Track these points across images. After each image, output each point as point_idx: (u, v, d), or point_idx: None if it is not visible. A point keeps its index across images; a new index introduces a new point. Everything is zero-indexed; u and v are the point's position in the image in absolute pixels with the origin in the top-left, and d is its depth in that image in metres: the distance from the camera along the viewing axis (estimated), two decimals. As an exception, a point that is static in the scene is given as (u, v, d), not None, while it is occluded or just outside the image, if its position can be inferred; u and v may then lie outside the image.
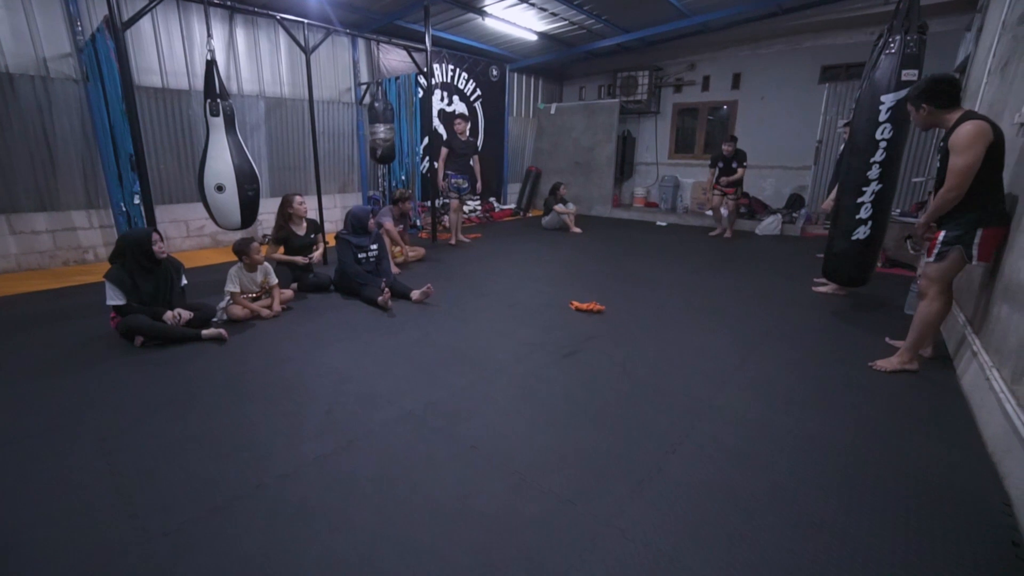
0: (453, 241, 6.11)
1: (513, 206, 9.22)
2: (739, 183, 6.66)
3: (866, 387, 2.53)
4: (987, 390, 2.18)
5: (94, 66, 4.25)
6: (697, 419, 2.21)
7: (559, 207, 7.25)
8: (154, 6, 3.73)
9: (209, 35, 4.02)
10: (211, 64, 4.01)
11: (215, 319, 3.34)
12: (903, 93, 3.14)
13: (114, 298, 2.91)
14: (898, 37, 3.17)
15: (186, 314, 3.09)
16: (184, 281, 3.31)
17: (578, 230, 7.17)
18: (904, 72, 3.14)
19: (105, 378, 2.55)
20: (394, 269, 4.67)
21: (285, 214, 4.09)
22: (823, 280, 4.24)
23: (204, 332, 3.03)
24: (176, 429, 2.09)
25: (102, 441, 1.99)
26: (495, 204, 8.87)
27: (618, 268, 5.00)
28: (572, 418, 2.22)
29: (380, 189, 7.29)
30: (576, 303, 3.67)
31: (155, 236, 3.01)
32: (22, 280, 4.30)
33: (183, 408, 2.26)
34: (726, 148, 6.50)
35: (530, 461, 1.89)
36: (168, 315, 3.02)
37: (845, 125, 5.11)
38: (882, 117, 3.20)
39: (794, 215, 7.43)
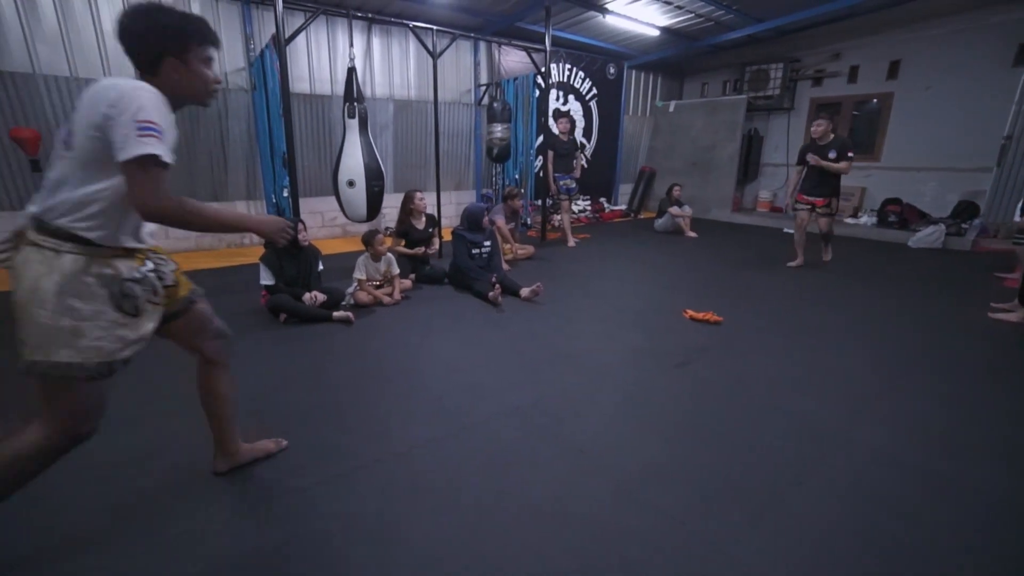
0: (571, 243, 6.07)
1: (624, 207, 8.98)
2: (836, 191, 4.78)
3: (1061, 438, 2.06)
4: None
5: (260, 77, 4.90)
6: (827, 450, 1.96)
7: (673, 209, 6.91)
8: (309, 23, 4.20)
9: (351, 45, 4.43)
10: (351, 71, 4.42)
11: (344, 303, 3.68)
12: None
13: (266, 278, 3.33)
14: None
15: (321, 296, 3.44)
16: (321, 267, 3.69)
17: (693, 234, 6.78)
18: None
19: (253, 348, 2.93)
20: (504, 267, 4.79)
21: (407, 209, 4.38)
22: (1006, 306, 3.54)
23: (335, 314, 3.36)
24: (310, 398, 2.33)
25: (248, 403, 2.29)
26: (605, 204, 8.71)
27: (737, 276, 4.64)
28: (682, 432, 2.09)
29: (493, 187, 7.52)
30: (691, 312, 3.46)
31: (300, 225, 3.39)
32: (198, 258, 5.11)
33: (315, 380, 2.53)
34: (818, 128, 4.63)
35: (635, 471, 1.82)
36: (307, 296, 3.39)
37: None
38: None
39: (963, 226, 6.30)
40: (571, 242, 6.05)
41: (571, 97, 7.77)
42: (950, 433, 2.09)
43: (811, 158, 4.66)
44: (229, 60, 5.25)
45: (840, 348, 2.99)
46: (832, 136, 4.63)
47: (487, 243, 4.19)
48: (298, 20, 5.04)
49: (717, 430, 2.11)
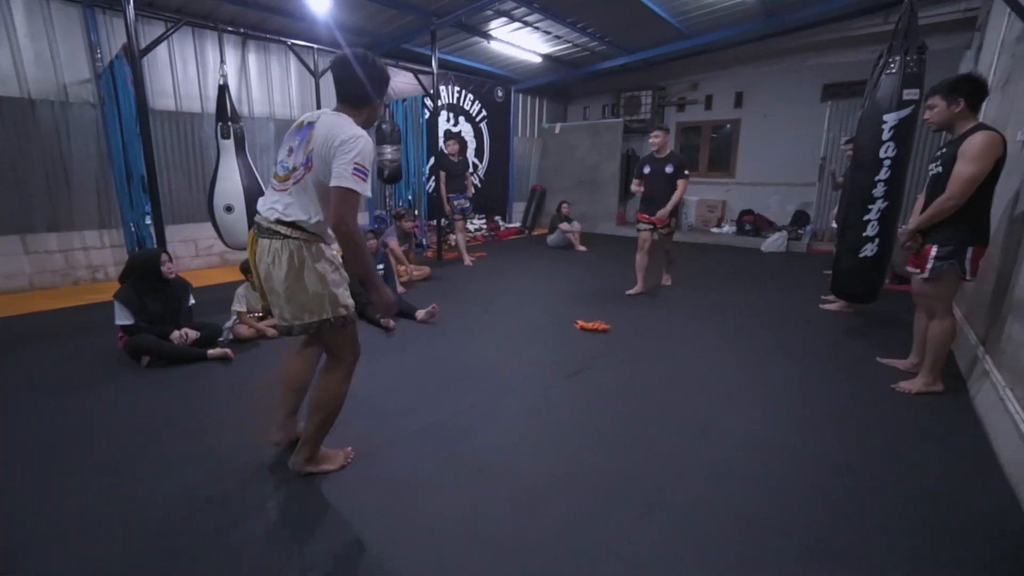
0: (467, 262, 6.11)
1: (519, 224, 9.28)
2: (674, 211, 4.36)
3: (877, 407, 2.48)
4: (1001, 411, 2.14)
5: (111, 91, 4.38)
6: (704, 441, 2.18)
7: (563, 225, 7.29)
8: (170, 34, 3.85)
9: (222, 61, 4.14)
10: (223, 88, 4.12)
11: (222, 338, 3.36)
12: (905, 112, 3.15)
13: (122, 318, 2.94)
14: (898, 57, 3.19)
15: (193, 333, 3.11)
16: (192, 301, 3.34)
17: (583, 248, 7.19)
18: (906, 91, 3.15)
19: (111, 397, 2.56)
20: (399, 288, 4.70)
21: None
22: (831, 297, 4.21)
23: (210, 352, 3.05)
24: (178, 448, 2.09)
25: (107, 460, 2.00)
26: (500, 223, 8.93)
27: (622, 286, 4.99)
28: (577, 440, 2.20)
29: (387, 209, 7.38)
30: (581, 322, 3.66)
31: (164, 257, 3.06)
32: (34, 299, 4.36)
33: (185, 427, 2.27)
34: (656, 140, 4.30)
35: (533, 484, 1.86)
36: (175, 334, 3.05)
37: (847, 142, 5.13)
38: (885, 136, 3.21)
39: (800, 232, 7.41)
40: (467, 261, 6.12)
41: (462, 119, 7.92)
42: (800, 411, 2.43)
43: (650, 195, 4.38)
44: (68, 70, 4.62)
45: (711, 346, 3.34)
46: (669, 150, 4.39)
47: (379, 266, 4.09)
48: (158, 30, 4.60)
49: (609, 434, 2.24)
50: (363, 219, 7.48)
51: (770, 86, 7.99)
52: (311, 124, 1.61)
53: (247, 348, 3.29)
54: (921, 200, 2.62)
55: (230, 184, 4.11)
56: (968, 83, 2.33)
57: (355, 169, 1.53)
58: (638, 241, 4.53)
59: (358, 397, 2.52)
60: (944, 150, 2.43)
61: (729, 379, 2.83)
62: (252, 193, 4.22)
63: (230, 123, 4.12)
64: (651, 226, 4.45)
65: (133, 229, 4.57)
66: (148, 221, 4.30)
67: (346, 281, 1.78)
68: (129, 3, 3.30)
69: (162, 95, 5.28)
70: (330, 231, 1.66)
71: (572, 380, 2.80)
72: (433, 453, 2.07)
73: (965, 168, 2.25)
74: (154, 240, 4.01)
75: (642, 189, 4.42)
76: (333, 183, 1.52)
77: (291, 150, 1.65)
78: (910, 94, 3.16)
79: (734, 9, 6.25)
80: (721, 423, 2.32)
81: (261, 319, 3.59)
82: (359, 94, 1.66)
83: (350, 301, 1.75)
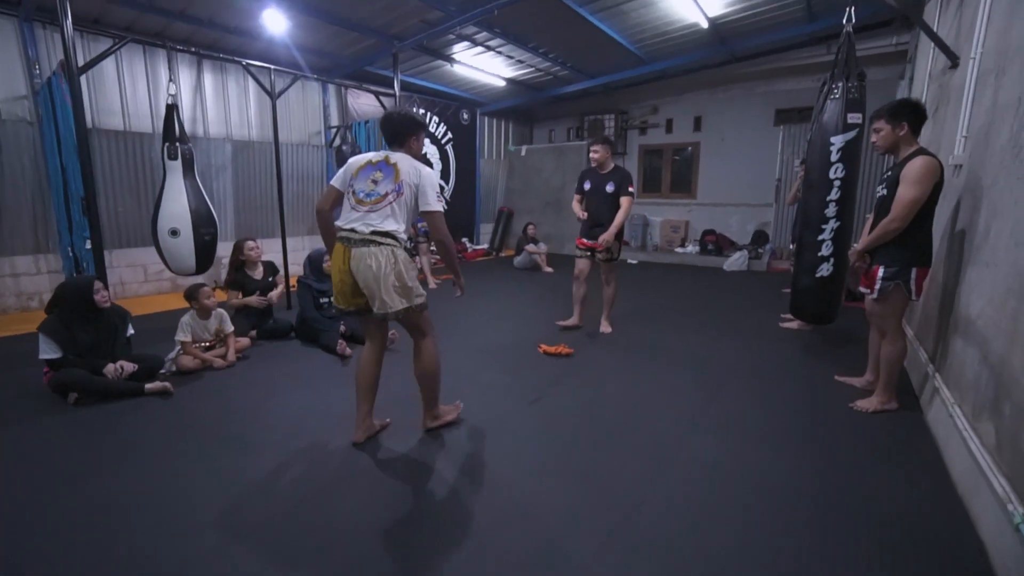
0: (432, 285, 5.99)
1: (486, 246, 9.24)
2: (619, 232, 3.76)
3: (835, 427, 2.49)
4: (951, 427, 2.17)
5: (49, 108, 4.15)
6: (665, 465, 2.13)
7: (529, 247, 7.28)
8: (114, 51, 3.69)
9: (171, 80, 3.99)
10: (172, 108, 3.96)
11: (163, 370, 3.15)
12: (851, 135, 3.27)
13: (48, 351, 2.71)
14: (840, 83, 3.33)
15: (129, 367, 2.89)
16: (131, 331, 3.13)
17: (550, 269, 7.19)
18: (850, 115, 3.28)
19: (31, 439, 2.34)
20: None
21: (237, 261, 3.94)
22: (790, 316, 4.29)
23: (147, 386, 2.84)
24: (104, 494, 1.90)
25: (23, 508, 1.79)
26: (467, 244, 8.87)
27: (587, 307, 4.98)
28: (536, 471, 2.10)
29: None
30: (545, 346, 3.60)
31: (97, 284, 2.85)
32: (-45, 331, 4.01)
33: (113, 471, 2.07)
34: (595, 155, 3.77)
35: (490, 522, 1.76)
36: (109, 368, 2.83)
37: (801, 163, 5.33)
38: (833, 157, 3.32)
39: (759, 251, 7.62)
40: (432, 283, 6.01)
41: (427, 141, 7.88)
42: (760, 432, 2.41)
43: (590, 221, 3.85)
44: (2, 86, 4.37)
45: (673, 367, 3.33)
46: (612, 166, 3.83)
47: (327, 299, 3.95)
48: (103, 46, 4.42)
49: (570, 461, 2.16)
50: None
51: (726, 111, 8.29)
52: (386, 162, 2.16)
53: (191, 380, 3.09)
54: (870, 220, 2.69)
55: (176, 207, 3.91)
56: (908, 107, 2.43)
57: (436, 196, 2.19)
58: (574, 272, 3.99)
59: (298, 435, 2.40)
60: (889, 173, 2.51)
61: (689, 399, 2.80)
62: (200, 216, 4.02)
63: (178, 144, 3.94)
64: (589, 252, 3.90)
65: (71, 253, 4.30)
66: (88, 246, 4.04)
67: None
68: (67, 17, 3.14)
69: (109, 113, 5.07)
70: (406, 238, 2.16)
71: (533, 408, 2.72)
72: (381, 491, 1.94)
73: (906, 191, 2.32)
74: (94, 265, 3.77)
75: (585, 215, 3.86)
76: (425, 208, 2.16)
77: (375, 181, 2.13)
78: (854, 117, 3.29)
79: (689, 37, 6.48)
80: (681, 446, 2.28)
81: (208, 349, 3.39)
82: (400, 133, 2.23)
83: (423, 292, 2.22)
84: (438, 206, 2.18)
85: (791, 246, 4.74)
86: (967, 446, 1.94)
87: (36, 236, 4.71)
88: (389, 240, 2.09)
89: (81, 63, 3.40)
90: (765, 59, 7.29)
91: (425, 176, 2.16)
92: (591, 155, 3.82)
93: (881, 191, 2.55)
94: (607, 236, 3.71)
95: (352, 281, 2.13)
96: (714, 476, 2.05)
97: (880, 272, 2.47)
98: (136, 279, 5.56)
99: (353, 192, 2.15)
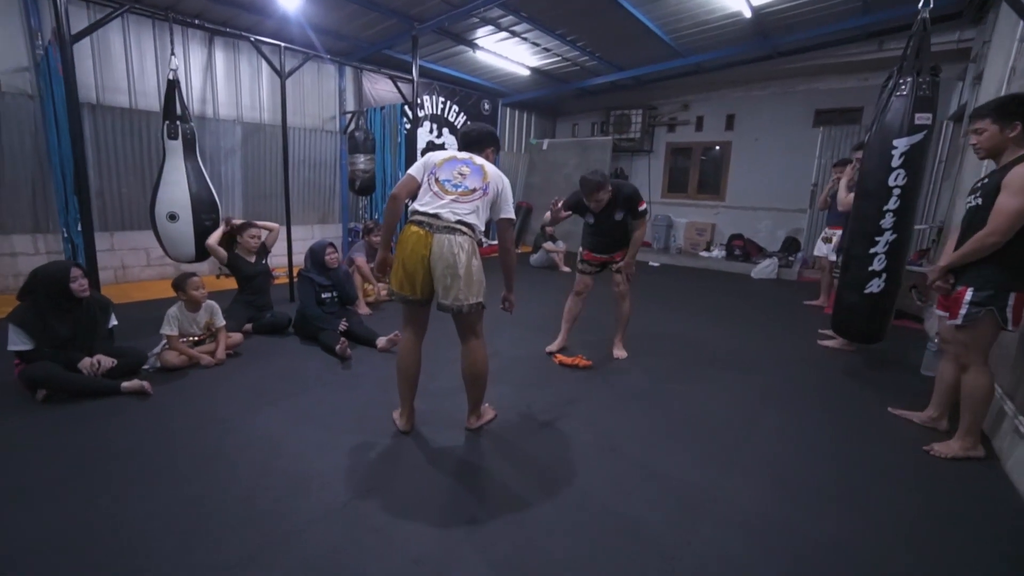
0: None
1: (502, 241, 8.92)
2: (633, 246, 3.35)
3: (894, 472, 2.14)
4: (1046, 488, 1.81)
5: (48, 81, 3.96)
6: (698, 517, 1.81)
7: (547, 245, 6.96)
8: (108, 20, 3.46)
9: (172, 53, 3.75)
10: (173, 84, 3.72)
11: (146, 366, 2.93)
12: (917, 137, 2.88)
13: (17, 343, 2.49)
14: (909, 78, 2.94)
15: (107, 361, 2.66)
16: (113, 322, 2.91)
17: (567, 269, 6.86)
18: (918, 115, 2.88)
19: (-12, 442, 2.12)
20: (364, 310, 4.30)
21: (232, 240, 3.72)
22: (829, 333, 3.91)
23: (124, 385, 2.60)
24: (55, 516, 1.65)
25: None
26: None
27: (606, 313, 4.64)
28: (545, 516, 1.80)
29: (362, 221, 6.98)
30: (560, 356, 3.29)
31: (75, 272, 2.61)
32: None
33: (71, 486, 1.83)
34: (601, 202, 3.17)
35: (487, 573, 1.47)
36: (85, 362, 2.60)
37: (836, 165, 4.93)
38: (895, 163, 2.93)
39: (790, 259, 7.18)
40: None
41: (445, 130, 7.59)
42: (804, 479, 2.07)
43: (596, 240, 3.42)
44: (4, 56, 4.18)
45: (701, 389, 2.99)
46: (610, 197, 3.20)
47: (329, 294, 3.68)
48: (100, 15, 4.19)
49: (584, 507, 1.85)
50: (336, 231, 7.08)
51: (761, 109, 7.82)
52: (472, 161, 2.18)
53: (174, 379, 2.85)
54: (954, 237, 2.32)
55: (175, 190, 3.68)
56: (1022, 103, 2.02)
57: (513, 205, 2.26)
58: (575, 284, 3.51)
59: (283, 453, 2.12)
60: (985, 180, 2.13)
61: (723, 433, 2.46)
62: (201, 201, 3.79)
63: (179, 123, 3.70)
64: (597, 267, 3.43)
65: (67, 234, 4.12)
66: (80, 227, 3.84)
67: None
68: (60, -18, 2.91)
69: (115, 91, 4.87)
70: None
71: (543, 433, 2.41)
72: (364, 535, 1.65)
73: (1010, 201, 1.94)
74: (84, 248, 3.55)
75: (562, 215, 3.32)
76: (507, 215, 2.22)
77: (462, 175, 2.13)
78: (922, 118, 2.89)
79: (728, 28, 6.05)
80: (716, 493, 1.95)
81: (197, 344, 3.16)
82: (482, 143, 2.30)
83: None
84: (512, 215, 2.23)
85: (816, 255, 4.51)
86: (1076, 520, 1.58)
87: (35, 215, 4.54)
88: (470, 232, 2.09)
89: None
90: (808, 55, 6.79)
91: (507, 185, 2.23)
92: (592, 204, 3.18)
93: (973, 201, 2.16)
94: (629, 262, 3.31)
95: (427, 268, 2.05)
96: (755, 536, 1.72)
97: (968, 295, 2.09)
98: (139, 263, 5.38)
99: (437, 180, 2.12)
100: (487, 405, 2.45)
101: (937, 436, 2.39)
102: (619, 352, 3.54)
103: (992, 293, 2.03)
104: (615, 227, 3.31)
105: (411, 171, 2.18)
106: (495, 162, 2.31)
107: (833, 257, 4.76)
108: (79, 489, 1.82)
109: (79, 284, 2.61)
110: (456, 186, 2.11)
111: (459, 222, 2.06)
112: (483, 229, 2.15)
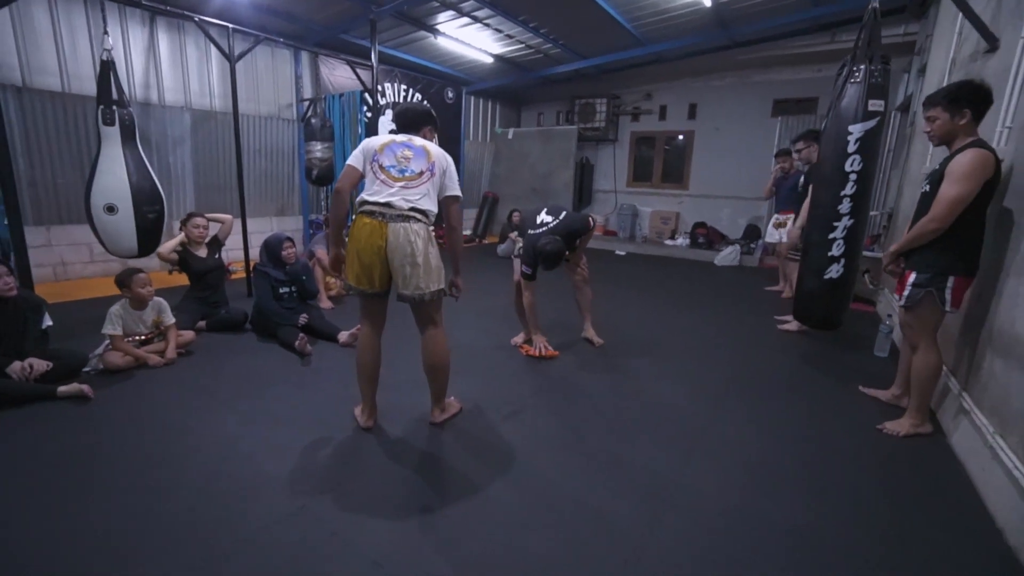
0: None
1: (469, 232, 8.83)
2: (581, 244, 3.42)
3: (849, 452, 2.20)
4: (989, 459, 1.89)
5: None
6: (662, 505, 1.80)
7: (514, 235, 6.89)
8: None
9: (105, 31, 3.48)
10: (107, 65, 3.46)
11: (87, 368, 2.73)
12: (871, 124, 2.95)
13: (-67, 348, 2.27)
14: (863, 66, 3.00)
15: (41, 364, 2.47)
16: (48, 322, 2.70)
17: (535, 259, 6.82)
18: (871, 102, 2.95)
19: (-103, 458, 1.92)
20: (326, 304, 4.15)
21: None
22: (787, 317, 4.01)
23: (61, 388, 2.42)
24: (-36, 542, 1.50)
25: None
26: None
27: (571, 302, 4.64)
28: (510, 510, 1.76)
29: (323, 213, 6.75)
30: (527, 347, 3.26)
31: (2, 269, 2.40)
32: None
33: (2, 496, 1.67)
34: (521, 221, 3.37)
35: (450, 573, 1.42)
36: (15, 366, 2.40)
37: (778, 155, 5.15)
38: (851, 148, 3.00)
39: (751, 246, 7.36)
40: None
41: (408, 118, 7.40)
42: (767, 463, 2.11)
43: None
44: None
45: (667, 377, 3.01)
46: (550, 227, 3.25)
47: (303, 278, 3.54)
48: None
49: (550, 500, 1.82)
50: (295, 223, 6.82)
51: (722, 99, 7.95)
52: (412, 143, 2.11)
53: (117, 381, 2.67)
54: (911, 221, 2.39)
55: (112, 180, 3.42)
56: (971, 90, 2.06)
57: (457, 183, 2.19)
58: (516, 285, 3.33)
59: (233, 456, 2.01)
60: (937, 168, 2.19)
61: (686, 420, 2.47)
62: (142, 191, 3.55)
63: (115, 107, 3.45)
64: (531, 271, 3.20)
65: (-6, 231, 3.79)
66: (6, 221, 3.55)
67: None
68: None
69: (43, 72, 4.50)
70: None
71: (508, 424, 2.37)
72: (322, 539, 1.58)
73: (950, 189, 2.01)
74: (12, 245, 3.28)
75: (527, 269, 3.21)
76: (453, 193, 2.16)
77: (406, 158, 2.07)
78: (875, 104, 2.97)
79: (689, 17, 6.09)
80: (680, 481, 1.96)
81: (144, 343, 2.97)
82: (418, 128, 2.23)
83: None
84: (458, 191, 2.18)
85: (769, 240, 4.87)
86: (1019, 487, 1.65)
87: (-42, 209, 4.16)
88: (424, 219, 2.06)
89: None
90: (765, 45, 6.93)
91: (451, 163, 2.18)
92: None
93: (924, 187, 2.23)
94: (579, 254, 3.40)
95: (384, 259, 2.01)
96: (718, 521, 1.73)
97: (911, 278, 2.17)
98: (80, 259, 5.04)
99: (381, 167, 2.05)
100: (452, 398, 2.40)
101: (900, 413, 2.46)
102: (596, 338, 3.53)
103: (931, 276, 2.12)
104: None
105: (350, 161, 2.07)
106: (434, 141, 2.25)
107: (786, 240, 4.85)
108: (8, 502, 1.67)
109: (4, 282, 2.41)
110: (402, 171, 2.06)
111: (412, 209, 2.02)
112: (436, 212, 2.11)
